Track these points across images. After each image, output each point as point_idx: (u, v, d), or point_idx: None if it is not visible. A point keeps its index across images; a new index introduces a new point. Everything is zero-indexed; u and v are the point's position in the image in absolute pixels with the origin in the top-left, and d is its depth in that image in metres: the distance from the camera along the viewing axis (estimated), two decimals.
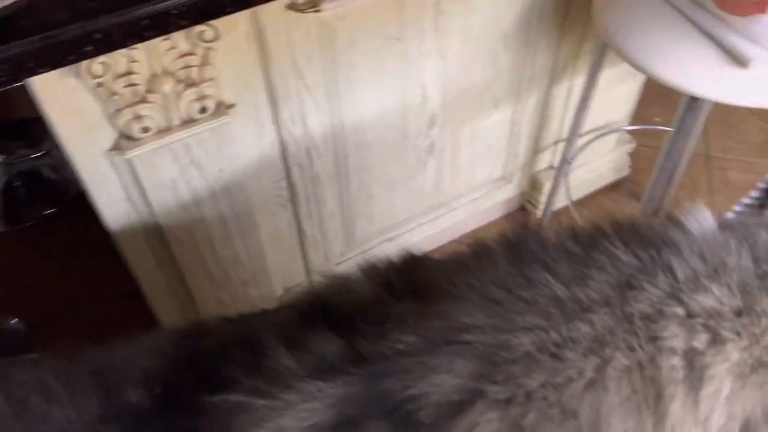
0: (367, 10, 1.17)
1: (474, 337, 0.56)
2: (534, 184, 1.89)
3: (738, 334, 0.54)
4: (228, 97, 1.13)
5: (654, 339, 0.54)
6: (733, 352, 0.53)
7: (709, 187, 2.05)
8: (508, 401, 0.53)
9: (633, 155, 2.00)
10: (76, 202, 1.91)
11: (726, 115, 2.21)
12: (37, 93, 0.96)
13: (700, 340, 0.53)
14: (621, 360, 0.53)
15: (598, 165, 1.92)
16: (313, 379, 0.59)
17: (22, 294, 1.82)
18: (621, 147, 1.94)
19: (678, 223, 0.62)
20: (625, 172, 2.02)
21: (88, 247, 1.79)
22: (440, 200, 1.73)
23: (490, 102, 1.55)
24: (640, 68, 1.15)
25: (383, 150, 1.47)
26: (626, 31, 1.19)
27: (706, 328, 0.54)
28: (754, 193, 1.39)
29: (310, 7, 1.08)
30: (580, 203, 1.98)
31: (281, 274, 1.55)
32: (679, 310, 0.55)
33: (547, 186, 1.85)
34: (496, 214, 1.95)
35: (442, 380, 0.55)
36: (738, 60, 1.09)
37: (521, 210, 1.98)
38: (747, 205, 1.41)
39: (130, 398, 0.69)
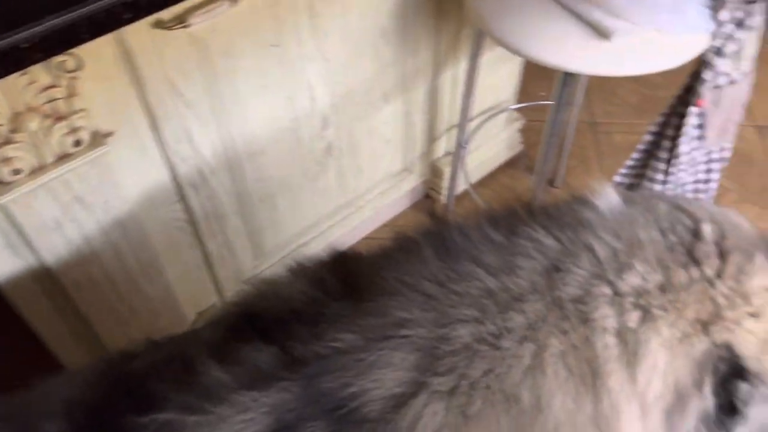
0: (238, 20, 1.15)
1: (412, 332, 0.57)
2: (435, 172, 1.92)
3: (665, 309, 0.57)
4: (103, 125, 1.07)
5: (586, 321, 0.56)
6: (663, 328, 0.56)
7: (597, 152, 2.15)
8: (452, 392, 0.55)
9: (523, 131, 2.07)
10: None
11: (603, 82, 2.33)
12: None
13: (632, 319, 0.56)
14: (556, 344, 0.56)
15: (492, 145, 1.98)
16: (246, 389, 0.58)
17: None
18: (511, 125, 2.00)
19: (586, 203, 0.64)
20: (518, 148, 2.09)
21: None
22: (346, 199, 1.73)
23: (379, 97, 1.56)
24: (515, 51, 1.19)
25: (280, 157, 1.45)
26: (498, 16, 1.23)
27: (636, 306, 0.57)
28: (635, 155, 1.47)
29: (178, 23, 1.04)
30: (481, 184, 2.04)
31: (192, 298, 1.50)
32: (607, 290, 0.57)
33: (447, 172, 1.88)
34: (402, 205, 1.97)
35: (383, 375, 0.55)
36: (602, 33, 1.14)
37: (426, 198, 2.01)
38: (630, 167, 1.49)
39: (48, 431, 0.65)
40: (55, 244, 1.12)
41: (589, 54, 1.15)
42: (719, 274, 0.59)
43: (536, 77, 2.37)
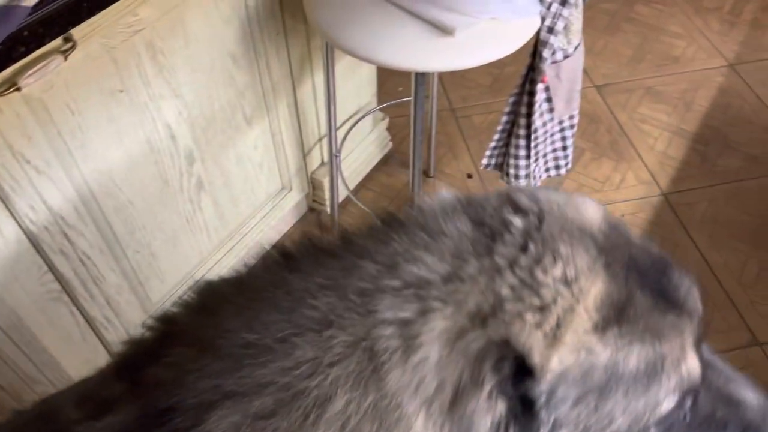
0: (75, 73, 1.08)
1: (225, 341, 0.58)
2: (314, 184, 1.92)
3: (444, 301, 0.55)
4: None
5: (370, 312, 0.55)
6: (439, 320, 0.54)
7: (461, 137, 2.24)
8: (245, 394, 0.55)
9: (390, 129, 2.11)
10: None
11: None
12: None
13: (411, 310, 0.55)
14: (343, 337, 0.55)
15: (363, 148, 2.01)
16: (87, 420, 0.59)
17: None
18: (378, 125, 2.04)
19: (416, 205, 0.64)
20: (389, 146, 2.13)
21: None
22: (228, 231, 1.69)
23: (242, 122, 1.53)
24: (364, 59, 1.21)
25: (149, 203, 1.38)
26: (341, 26, 1.24)
27: (417, 297, 0.55)
28: (496, 136, 1.55)
29: (8, 88, 0.97)
30: (362, 187, 2.06)
31: (85, 369, 1.40)
32: (395, 282, 0.56)
33: (326, 183, 1.89)
34: (288, 223, 1.96)
35: (197, 383, 0.56)
36: (446, 30, 1.19)
37: (311, 211, 2.01)
38: (494, 148, 1.57)
39: None
40: None
41: (436, 52, 1.19)
42: (512, 265, 0.56)
43: (392, 74, 2.43)
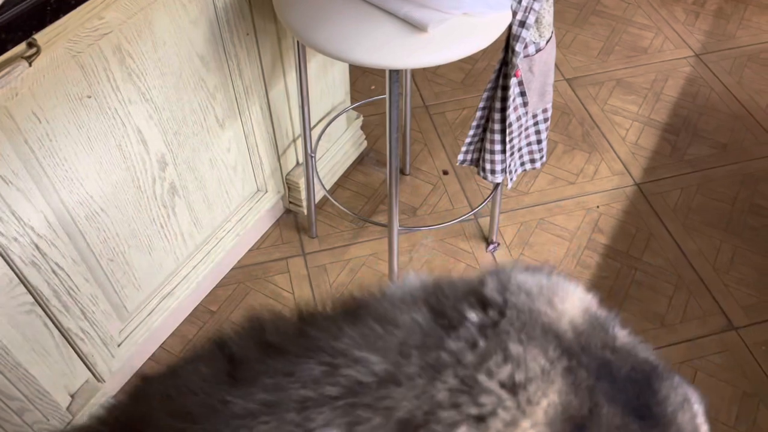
0: (41, 79, 1.05)
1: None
2: (290, 185, 1.90)
3: (374, 410, 0.47)
4: None
5: (305, 421, 0.48)
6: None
7: (436, 132, 2.24)
8: None
9: (365, 127, 2.10)
10: None
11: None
12: None
13: (340, 425, 0.47)
14: None
15: (338, 147, 1.99)
16: None
17: None
18: (352, 124, 2.03)
19: (380, 289, 0.57)
20: (364, 144, 2.12)
21: None
22: (204, 236, 1.66)
23: (214, 124, 1.51)
24: (337, 57, 1.20)
25: (121, 211, 1.36)
26: (313, 26, 1.23)
27: (350, 407, 0.47)
28: (471, 132, 1.55)
29: None
30: (338, 186, 2.05)
31: (61, 383, 1.37)
32: (334, 390, 0.49)
33: (301, 183, 1.87)
34: (265, 225, 1.94)
35: None
36: (419, 26, 1.19)
37: (288, 213, 1.99)
38: (469, 143, 1.57)
39: None
40: None
41: (410, 49, 1.19)
42: (455, 364, 0.47)
43: (364, 73, 2.43)
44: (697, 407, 0.51)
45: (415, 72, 2.31)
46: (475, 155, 1.58)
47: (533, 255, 1.90)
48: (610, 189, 2.05)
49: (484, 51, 1.26)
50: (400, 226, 1.67)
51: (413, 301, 0.53)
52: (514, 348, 0.47)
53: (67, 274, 1.27)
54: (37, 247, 1.19)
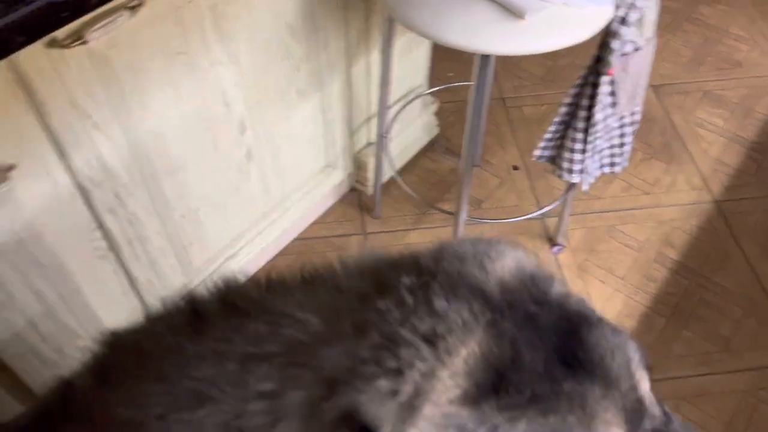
0: (140, 30, 1.07)
1: (107, 415, 0.57)
2: (358, 164, 1.90)
3: (304, 367, 0.49)
4: (5, 158, 0.98)
5: (245, 384, 0.51)
6: (297, 391, 0.49)
7: (510, 127, 2.20)
8: None
9: (438, 113, 2.08)
10: None
11: (508, 57, 2.37)
12: None
13: (277, 380, 0.50)
14: (215, 417, 0.51)
15: (410, 131, 1.98)
16: None
17: None
18: (427, 109, 2.01)
19: (342, 261, 0.60)
20: (436, 131, 2.10)
21: None
22: (272, 204, 1.68)
23: (295, 96, 1.52)
24: (429, 37, 1.18)
25: (199, 169, 1.38)
26: (408, 2, 1.21)
27: (286, 363, 0.50)
28: (552, 128, 1.51)
29: (75, 41, 0.96)
30: (404, 170, 2.04)
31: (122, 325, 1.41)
32: (274, 347, 0.52)
33: (370, 163, 1.87)
34: (329, 201, 1.94)
35: None
36: (516, 13, 1.16)
37: (352, 191, 1.99)
38: (549, 140, 1.53)
39: None
40: None
41: (505, 35, 1.16)
42: (379, 322, 0.48)
43: (442, 58, 2.39)
44: (633, 354, 0.51)
45: (496, 61, 2.26)
46: (554, 152, 1.54)
47: (598, 261, 1.85)
48: (687, 203, 1.97)
49: (569, 47, 1.21)
50: (469, 216, 1.65)
51: (362, 272, 0.56)
52: (439, 304, 0.48)
53: (142, 225, 1.30)
54: (118, 196, 1.22)
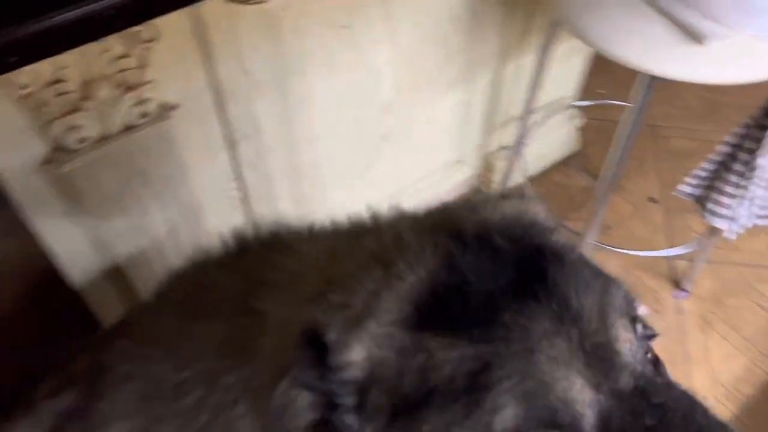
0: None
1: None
2: (488, 165, 1.87)
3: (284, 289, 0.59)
4: (170, 98, 1.05)
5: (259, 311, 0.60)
6: (281, 306, 0.57)
7: (654, 156, 2.08)
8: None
9: (581, 129, 2.00)
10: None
11: (668, 83, 2.24)
12: None
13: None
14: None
15: (549, 141, 1.92)
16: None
17: None
18: (571, 122, 1.94)
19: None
20: (576, 146, 2.02)
21: (25, 258, 1.66)
22: (397, 188, 1.69)
23: (444, 85, 1.51)
24: (598, 48, 1.13)
25: (335, 142, 1.41)
26: (581, 10, 1.17)
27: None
28: (707, 165, 1.40)
29: None
30: (533, 179, 1.98)
31: None
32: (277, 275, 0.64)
33: (500, 166, 1.83)
34: (451, 196, 1.93)
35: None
36: (695, 37, 1.08)
37: (477, 191, 1.96)
38: (701, 178, 1.43)
39: None
40: (111, 214, 1.10)
41: (677, 58, 1.09)
42: (352, 248, 0.57)
43: (595, 73, 2.29)
44: (615, 300, 0.49)
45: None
46: (702, 192, 1.44)
47: (724, 316, 1.71)
48: None
49: (736, 86, 1.11)
50: (594, 240, 1.58)
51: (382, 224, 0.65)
52: (407, 235, 0.52)
53: (274, 185, 1.36)
54: (259, 153, 1.27)
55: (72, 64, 0.88)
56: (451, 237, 0.51)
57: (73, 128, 0.95)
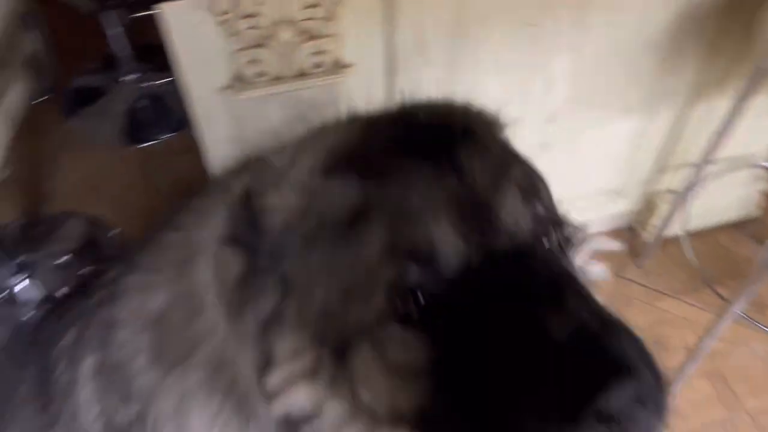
0: None
1: None
2: (648, 205, 1.75)
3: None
4: (346, 56, 1.11)
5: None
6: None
7: None
8: None
9: (765, 194, 1.80)
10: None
11: None
12: (166, 20, 0.98)
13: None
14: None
15: (724, 198, 1.75)
16: None
17: (128, 209, 1.91)
18: (755, 184, 1.76)
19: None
20: (753, 212, 1.83)
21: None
22: None
23: (620, 108, 1.44)
24: None
25: None
26: None
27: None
28: None
29: None
30: (695, 234, 1.82)
31: None
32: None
33: (662, 209, 1.71)
34: (600, 227, 1.83)
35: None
36: None
37: (629, 229, 1.85)
38: None
39: None
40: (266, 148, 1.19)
41: None
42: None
43: None
44: (514, 161, 0.61)
45: None
46: None
47: None
48: None
49: None
50: (742, 312, 1.43)
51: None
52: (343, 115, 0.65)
53: None
54: None
55: (268, 2, 0.97)
56: (383, 115, 0.62)
57: (255, 61, 1.05)
